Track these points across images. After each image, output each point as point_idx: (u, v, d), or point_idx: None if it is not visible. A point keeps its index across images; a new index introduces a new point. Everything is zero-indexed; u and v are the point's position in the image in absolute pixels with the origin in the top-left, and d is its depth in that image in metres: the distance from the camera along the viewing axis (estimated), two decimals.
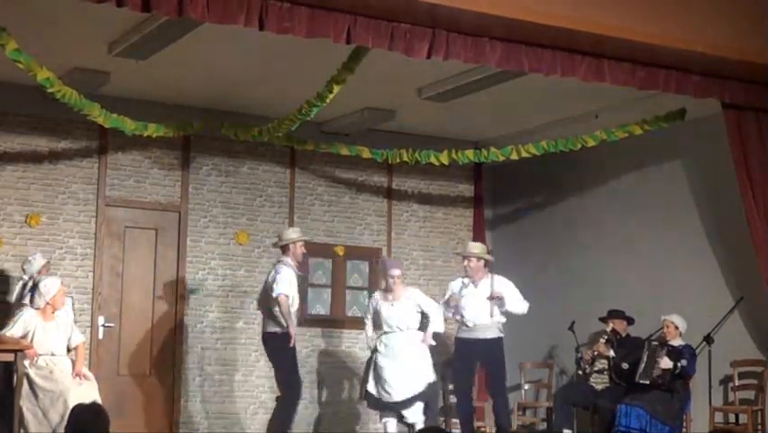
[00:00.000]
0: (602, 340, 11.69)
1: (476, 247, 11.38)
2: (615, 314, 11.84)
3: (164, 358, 12.31)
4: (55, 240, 11.82)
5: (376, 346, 11.03)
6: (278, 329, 10.68)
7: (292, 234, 11.01)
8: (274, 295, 10.56)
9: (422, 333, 11.06)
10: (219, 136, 12.10)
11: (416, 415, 10.86)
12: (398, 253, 13.73)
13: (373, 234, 13.71)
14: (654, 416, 10.84)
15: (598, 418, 11.62)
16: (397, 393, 10.85)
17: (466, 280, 11.25)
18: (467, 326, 11.15)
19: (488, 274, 11.18)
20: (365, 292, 13.60)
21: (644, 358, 11.07)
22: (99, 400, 8.98)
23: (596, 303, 12.19)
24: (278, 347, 10.75)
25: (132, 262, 12.25)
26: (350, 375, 13.25)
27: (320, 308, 13.33)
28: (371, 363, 11.04)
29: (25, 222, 11.71)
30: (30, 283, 10.82)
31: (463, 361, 11.24)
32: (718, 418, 11.31)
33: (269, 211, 13.04)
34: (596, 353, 11.74)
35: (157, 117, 11.08)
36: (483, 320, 11.07)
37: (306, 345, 12.95)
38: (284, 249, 10.91)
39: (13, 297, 11.12)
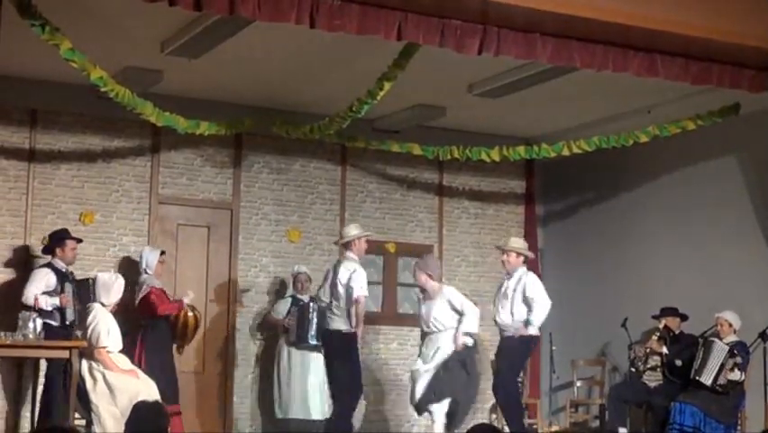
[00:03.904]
0: (655, 337, 11.63)
1: (516, 242, 11.24)
2: (668, 311, 11.77)
3: (217, 355, 12.36)
4: (109, 238, 11.91)
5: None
6: (345, 327, 10.71)
7: (354, 230, 11.02)
8: (355, 295, 10.61)
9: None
10: (271, 134, 12.13)
11: None
12: (450, 249, 13.73)
13: (425, 230, 13.70)
14: (709, 414, 10.79)
15: (651, 415, 11.58)
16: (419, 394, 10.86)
17: (504, 278, 11.15)
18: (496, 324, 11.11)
19: (517, 272, 10.96)
20: (416, 289, 13.57)
21: (699, 355, 11.04)
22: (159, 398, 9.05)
23: (649, 300, 12.12)
24: (347, 346, 10.77)
25: (184, 260, 12.32)
26: (401, 373, 13.23)
27: (371, 304, 13.27)
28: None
29: (79, 220, 11.81)
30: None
31: (496, 358, 11.26)
32: None
33: (321, 208, 13.06)
34: (649, 349, 11.67)
35: (209, 115, 11.11)
36: (505, 320, 10.93)
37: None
38: (348, 246, 10.92)
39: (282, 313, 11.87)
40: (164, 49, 10.37)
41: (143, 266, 11.41)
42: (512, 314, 10.83)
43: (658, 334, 11.64)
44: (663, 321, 11.68)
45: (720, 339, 11.10)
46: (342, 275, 10.71)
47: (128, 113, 10.14)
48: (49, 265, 10.82)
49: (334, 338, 10.79)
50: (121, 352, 10.40)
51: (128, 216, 12.10)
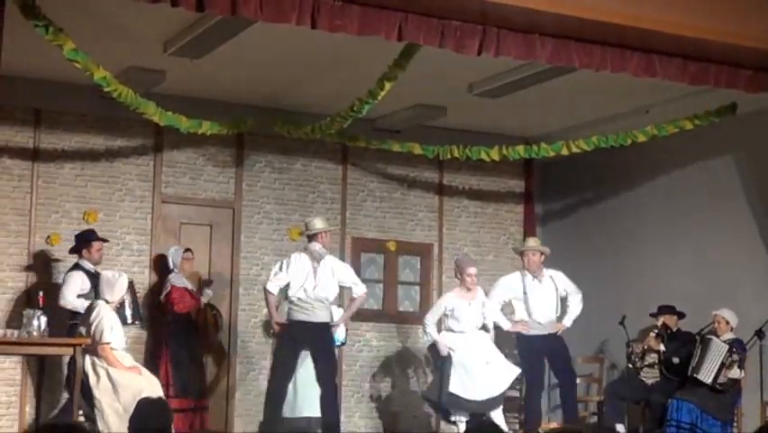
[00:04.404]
0: (653, 335, 11.64)
1: (537, 242, 11.68)
2: (665, 309, 11.77)
3: (218, 352, 12.35)
4: (112, 236, 11.87)
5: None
6: (329, 320, 10.73)
7: (321, 223, 10.88)
8: (360, 293, 10.80)
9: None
10: (272, 134, 12.12)
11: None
12: (450, 248, 13.72)
13: (425, 229, 13.70)
14: (706, 411, 10.79)
15: (649, 412, 11.58)
16: (484, 393, 10.87)
17: (529, 277, 11.38)
18: (539, 323, 11.35)
19: (542, 268, 11.45)
20: (417, 287, 13.60)
21: (697, 353, 11.05)
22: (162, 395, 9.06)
23: (646, 298, 12.12)
24: (332, 338, 10.83)
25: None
26: (401, 369, 13.25)
27: (372, 302, 13.30)
28: (448, 365, 10.97)
29: (83, 218, 11.81)
30: None
31: (538, 356, 11.36)
32: None
33: (322, 207, 13.05)
34: (646, 347, 11.68)
35: (211, 115, 11.09)
36: (552, 317, 11.42)
37: (359, 339, 12.96)
38: (314, 238, 10.78)
39: None
40: (167, 49, 10.37)
41: (171, 265, 11.68)
42: (556, 310, 11.40)
43: (656, 331, 11.63)
44: (661, 319, 11.68)
45: (717, 337, 11.11)
46: (338, 271, 10.70)
47: (131, 113, 10.13)
48: (80, 267, 10.85)
49: (323, 331, 10.69)
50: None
51: (131, 214, 12.11)
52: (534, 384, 11.45)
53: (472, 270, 11.14)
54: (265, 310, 12.23)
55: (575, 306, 11.51)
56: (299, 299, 10.51)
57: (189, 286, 11.69)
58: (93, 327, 9.71)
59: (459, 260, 11.61)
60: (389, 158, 13.17)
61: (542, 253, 11.50)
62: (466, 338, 10.97)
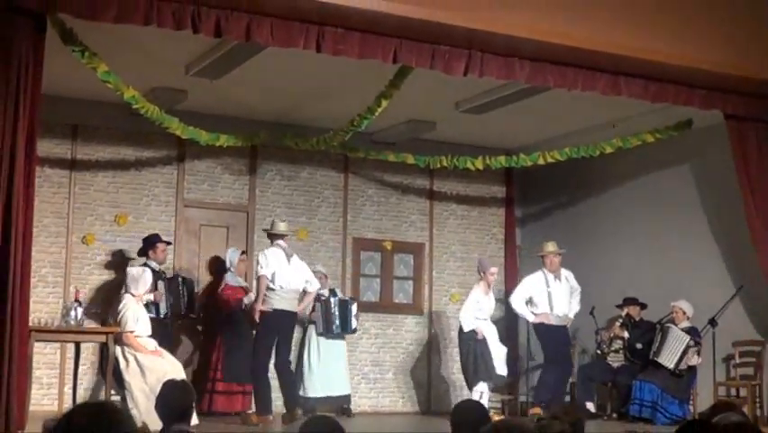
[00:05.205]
0: (618, 323, 11.67)
1: (555, 246, 11.76)
2: (629, 300, 11.80)
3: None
4: (140, 237, 11.82)
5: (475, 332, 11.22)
6: (295, 309, 10.56)
7: (285, 226, 10.76)
8: (317, 287, 10.85)
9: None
10: (282, 145, 12.08)
11: None
12: (439, 247, 13.71)
13: (417, 230, 13.68)
14: (666, 391, 10.82)
15: (615, 392, 11.61)
16: (504, 369, 11.28)
17: (551, 276, 11.53)
18: (558, 316, 11.50)
19: (560, 268, 11.71)
20: (410, 282, 13.58)
21: (657, 339, 11.07)
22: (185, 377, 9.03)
23: (613, 291, 12.12)
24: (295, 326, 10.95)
25: (206, 256, 12.28)
26: (396, 355, 13.23)
27: (371, 295, 13.31)
28: (485, 347, 11.13)
29: (114, 221, 11.79)
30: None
31: (559, 342, 11.52)
32: (721, 392, 11.20)
33: (326, 211, 13.04)
34: (613, 334, 11.70)
35: (228, 129, 11.09)
36: (566, 311, 11.57)
37: (359, 327, 12.93)
38: (282, 237, 10.59)
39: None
40: (188, 71, 10.36)
41: (227, 265, 11.65)
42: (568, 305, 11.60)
43: (621, 320, 11.69)
44: (626, 309, 11.72)
45: (675, 325, 11.13)
46: (302, 268, 10.57)
47: (157, 127, 10.13)
48: (145, 265, 10.78)
49: (294, 320, 10.61)
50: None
51: (157, 217, 12.08)
52: (559, 365, 11.52)
53: (494, 269, 11.57)
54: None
55: (577, 302, 11.66)
56: (281, 287, 10.27)
57: (244, 284, 11.63)
58: (119, 318, 9.71)
59: (482, 261, 11.85)
60: (386, 167, 13.15)
61: (559, 254, 11.66)
62: (486, 324, 11.29)
